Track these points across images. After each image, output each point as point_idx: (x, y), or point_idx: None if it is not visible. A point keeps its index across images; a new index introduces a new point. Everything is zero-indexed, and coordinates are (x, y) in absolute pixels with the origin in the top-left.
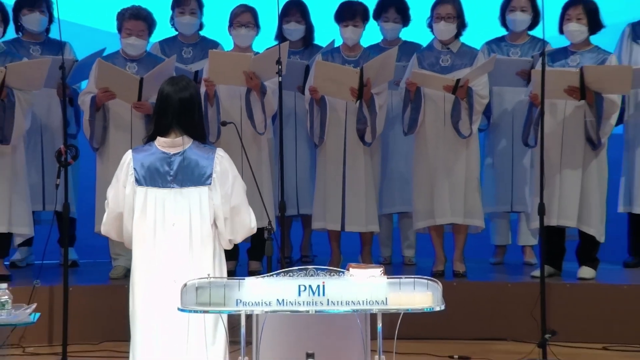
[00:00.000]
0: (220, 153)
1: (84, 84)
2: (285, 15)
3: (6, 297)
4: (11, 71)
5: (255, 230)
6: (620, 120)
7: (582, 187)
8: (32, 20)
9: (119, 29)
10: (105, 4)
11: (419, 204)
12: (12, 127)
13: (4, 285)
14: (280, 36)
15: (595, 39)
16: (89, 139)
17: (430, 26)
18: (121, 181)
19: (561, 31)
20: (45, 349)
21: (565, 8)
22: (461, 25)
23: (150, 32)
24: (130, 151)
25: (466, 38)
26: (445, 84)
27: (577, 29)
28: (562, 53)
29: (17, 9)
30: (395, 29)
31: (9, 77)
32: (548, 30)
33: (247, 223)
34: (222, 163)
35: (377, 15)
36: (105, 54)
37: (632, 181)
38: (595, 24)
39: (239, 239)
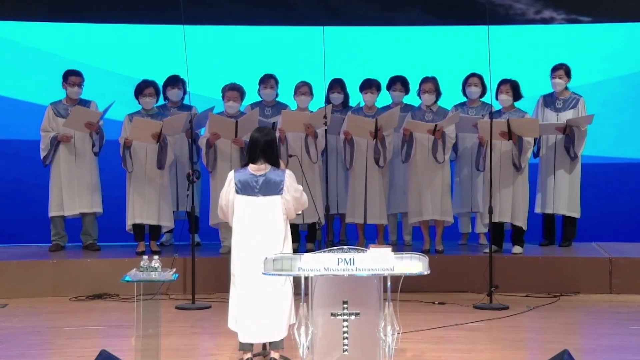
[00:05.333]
0: (288, 173)
1: (202, 131)
2: (330, 88)
3: (158, 264)
4: (165, 124)
5: (306, 205)
6: (538, 154)
7: (512, 196)
8: (173, 93)
9: (222, 97)
10: (216, 83)
11: (412, 206)
12: (165, 159)
13: (156, 256)
14: (328, 101)
15: (519, 104)
16: (205, 165)
17: (418, 95)
18: (227, 189)
19: (496, 98)
20: (181, 296)
21: (499, 84)
22: (438, 95)
23: (242, 99)
24: (232, 171)
25: (443, 102)
26: (428, 129)
27: (506, 98)
28: (497, 113)
29: (164, 86)
30: (399, 96)
31: (163, 128)
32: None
33: (304, 204)
34: (288, 179)
35: (389, 87)
36: (213, 112)
37: (544, 194)
38: (517, 95)
39: (300, 211)
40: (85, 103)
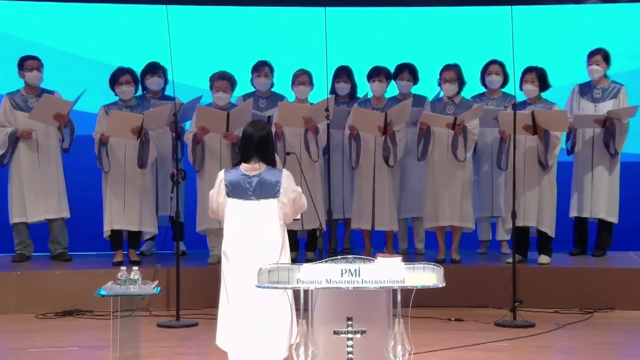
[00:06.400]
0: (285, 173)
1: (188, 125)
2: (336, 77)
3: (137, 276)
4: (146, 117)
5: (305, 208)
6: (572, 151)
7: (538, 198)
8: (153, 82)
9: (211, 87)
10: (203, 71)
11: (428, 210)
12: (147, 156)
13: (136, 267)
14: (333, 91)
15: (548, 95)
16: (192, 164)
17: (439, 85)
18: (217, 191)
19: (521, 89)
20: (164, 312)
21: (524, 73)
22: (461, 84)
23: (232, 89)
24: (222, 171)
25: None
26: (447, 122)
27: (531, 88)
28: (522, 104)
29: (143, 74)
30: (407, 86)
31: (144, 121)
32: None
33: (303, 207)
34: (286, 180)
35: (395, 76)
36: (200, 103)
37: (581, 195)
38: (544, 85)
39: (298, 216)
40: (49, 93)
